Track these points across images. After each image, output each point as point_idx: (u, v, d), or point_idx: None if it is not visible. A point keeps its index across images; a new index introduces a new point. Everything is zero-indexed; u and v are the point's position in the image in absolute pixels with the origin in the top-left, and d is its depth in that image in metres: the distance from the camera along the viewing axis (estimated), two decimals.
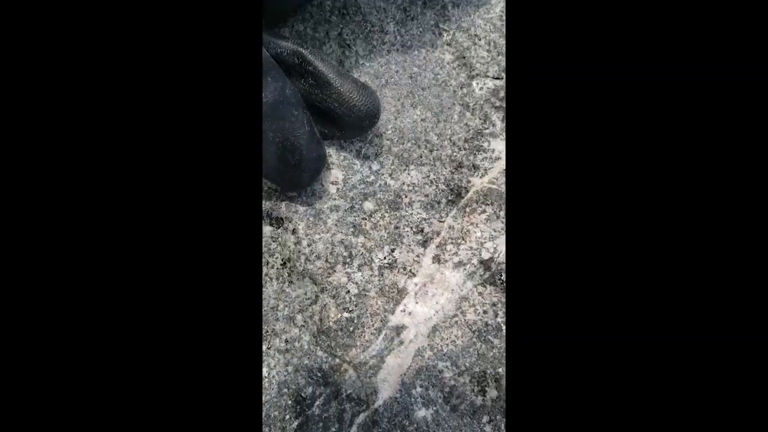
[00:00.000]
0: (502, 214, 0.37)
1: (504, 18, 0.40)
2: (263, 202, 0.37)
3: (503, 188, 0.38)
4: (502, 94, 0.39)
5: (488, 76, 0.40)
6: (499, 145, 0.38)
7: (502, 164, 0.38)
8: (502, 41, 0.40)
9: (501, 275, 0.37)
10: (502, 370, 0.36)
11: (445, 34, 0.40)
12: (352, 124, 0.36)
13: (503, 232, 0.37)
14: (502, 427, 0.35)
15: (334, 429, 0.35)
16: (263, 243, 0.37)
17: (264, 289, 0.36)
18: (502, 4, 0.41)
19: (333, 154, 0.39)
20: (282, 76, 0.33)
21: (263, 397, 0.35)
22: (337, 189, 0.38)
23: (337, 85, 0.35)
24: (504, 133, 0.39)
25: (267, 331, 0.36)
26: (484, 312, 0.36)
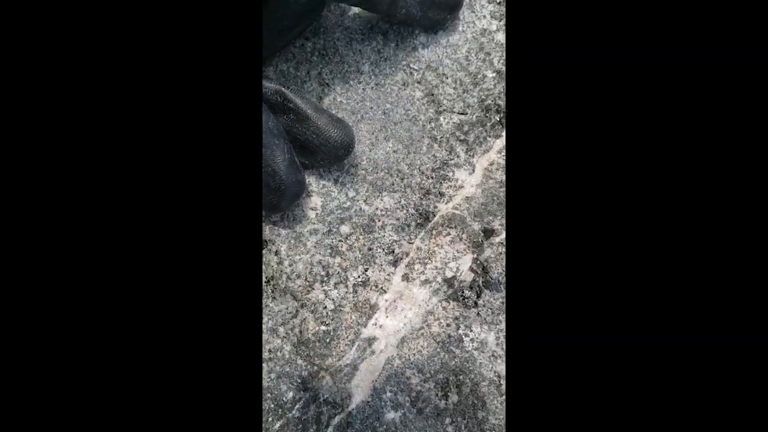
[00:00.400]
0: (464, 236, 0.42)
1: (469, 59, 0.45)
2: None
3: (465, 213, 0.42)
4: (467, 128, 0.44)
5: (454, 112, 0.44)
6: (462, 175, 0.43)
7: (465, 192, 0.43)
8: (468, 79, 0.44)
9: (463, 292, 0.41)
10: (463, 377, 0.40)
11: (415, 73, 0.45)
12: (329, 153, 0.40)
13: (466, 252, 0.42)
14: (463, 428, 0.39)
15: (312, 430, 0.39)
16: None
17: None
18: (468, 45, 0.45)
19: (313, 182, 0.43)
20: (266, 110, 0.37)
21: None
22: (316, 214, 0.42)
23: (314, 120, 0.39)
24: (467, 164, 0.43)
25: None
26: (447, 325, 0.40)
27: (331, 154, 0.40)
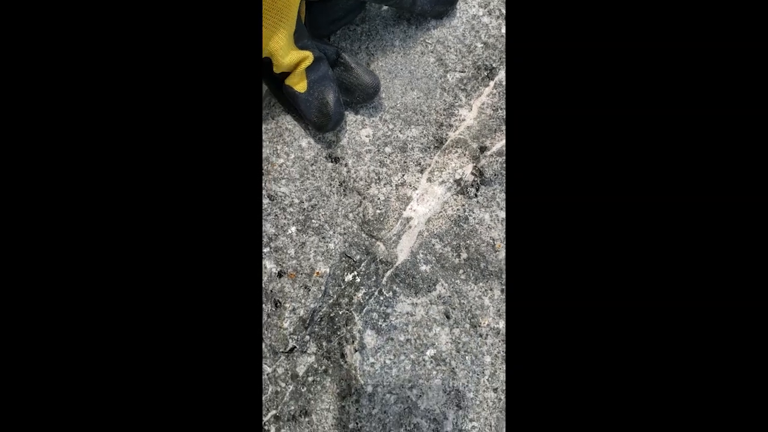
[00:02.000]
0: (467, 152, 0.63)
1: (464, 35, 0.66)
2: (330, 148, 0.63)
3: (467, 137, 0.63)
4: (465, 81, 0.65)
5: (456, 70, 0.65)
6: (464, 112, 0.64)
7: (466, 123, 0.64)
8: (465, 49, 0.66)
9: (467, 188, 0.62)
10: (469, 242, 0.61)
11: (429, 45, 0.66)
12: (363, 93, 0.60)
13: (468, 162, 0.63)
14: (471, 275, 0.61)
15: (373, 279, 0.61)
16: (330, 174, 0.62)
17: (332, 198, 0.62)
18: (464, 26, 0.66)
19: (366, 119, 0.64)
20: (326, 64, 0.59)
21: (327, 270, 0.61)
22: (369, 139, 0.63)
23: (356, 70, 0.60)
24: (467, 105, 0.64)
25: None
26: (457, 209, 0.62)
27: (365, 94, 0.61)
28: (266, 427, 0.61)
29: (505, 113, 0.64)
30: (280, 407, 0.60)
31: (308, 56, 0.56)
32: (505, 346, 0.59)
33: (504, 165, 0.62)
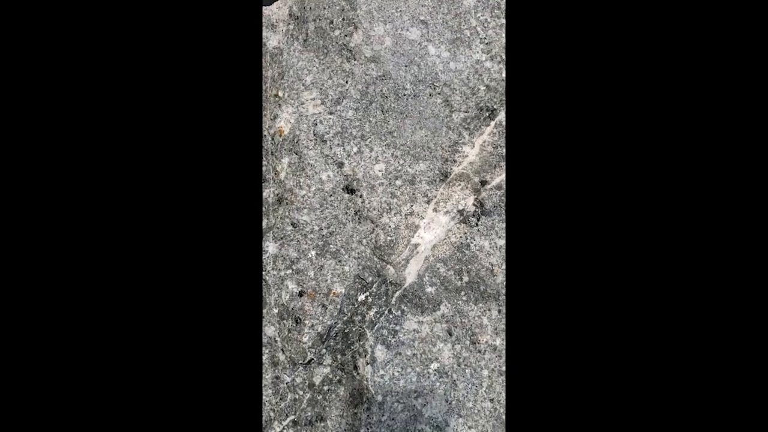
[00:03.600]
0: (469, 185, 0.70)
1: (469, 79, 0.73)
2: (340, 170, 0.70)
3: (469, 172, 0.71)
4: (468, 121, 0.72)
5: (461, 111, 0.72)
6: (467, 149, 0.71)
7: (469, 159, 0.71)
8: (469, 92, 0.73)
9: (469, 218, 0.69)
10: (470, 267, 0.68)
11: (437, 88, 0.73)
12: None
13: (470, 194, 0.70)
14: (471, 297, 0.68)
15: (383, 299, 0.68)
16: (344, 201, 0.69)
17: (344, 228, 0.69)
18: (468, 71, 0.73)
19: (380, 155, 0.71)
20: None
21: (342, 291, 0.68)
22: (381, 173, 0.71)
23: None
24: (470, 143, 0.71)
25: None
26: (459, 237, 0.69)
27: None
28: (285, 430, 0.68)
29: (504, 150, 0.71)
30: (298, 413, 0.67)
31: None
32: (501, 360, 0.66)
33: (503, 198, 0.70)
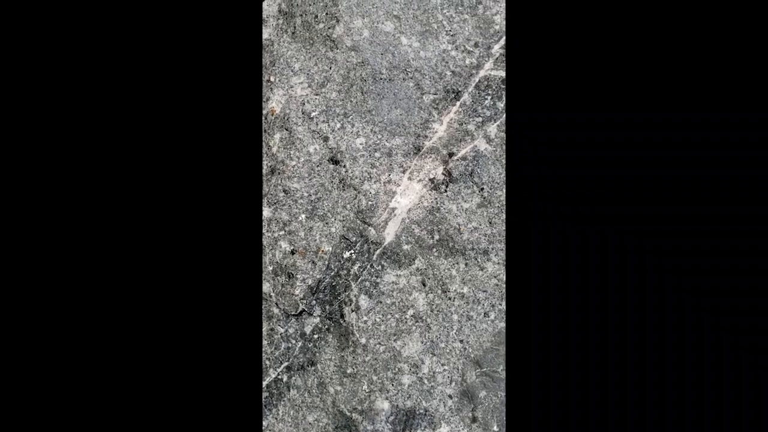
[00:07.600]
0: (438, 158, 0.81)
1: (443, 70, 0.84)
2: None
3: (438, 146, 0.81)
4: (438, 102, 0.82)
5: (430, 93, 0.83)
6: (436, 126, 0.82)
7: (437, 135, 0.81)
8: (437, 75, 0.83)
9: (439, 186, 0.80)
10: (440, 226, 0.78)
11: (409, 73, 0.83)
12: None
13: (440, 165, 0.80)
14: (445, 254, 0.78)
15: (366, 256, 0.77)
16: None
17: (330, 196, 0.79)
18: (437, 58, 0.84)
19: (360, 130, 0.81)
20: None
21: (330, 249, 0.77)
22: (362, 146, 0.80)
23: None
24: (439, 121, 0.82)
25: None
26: (430, 202, 0.79)
27: None
28: (280, 376, 0.77)
29: (469, 126, 0.81)
30: (291, 359, 0.76)
31: None
32: (468, 306, 0.76)
33: (467, 167, 0.80)
